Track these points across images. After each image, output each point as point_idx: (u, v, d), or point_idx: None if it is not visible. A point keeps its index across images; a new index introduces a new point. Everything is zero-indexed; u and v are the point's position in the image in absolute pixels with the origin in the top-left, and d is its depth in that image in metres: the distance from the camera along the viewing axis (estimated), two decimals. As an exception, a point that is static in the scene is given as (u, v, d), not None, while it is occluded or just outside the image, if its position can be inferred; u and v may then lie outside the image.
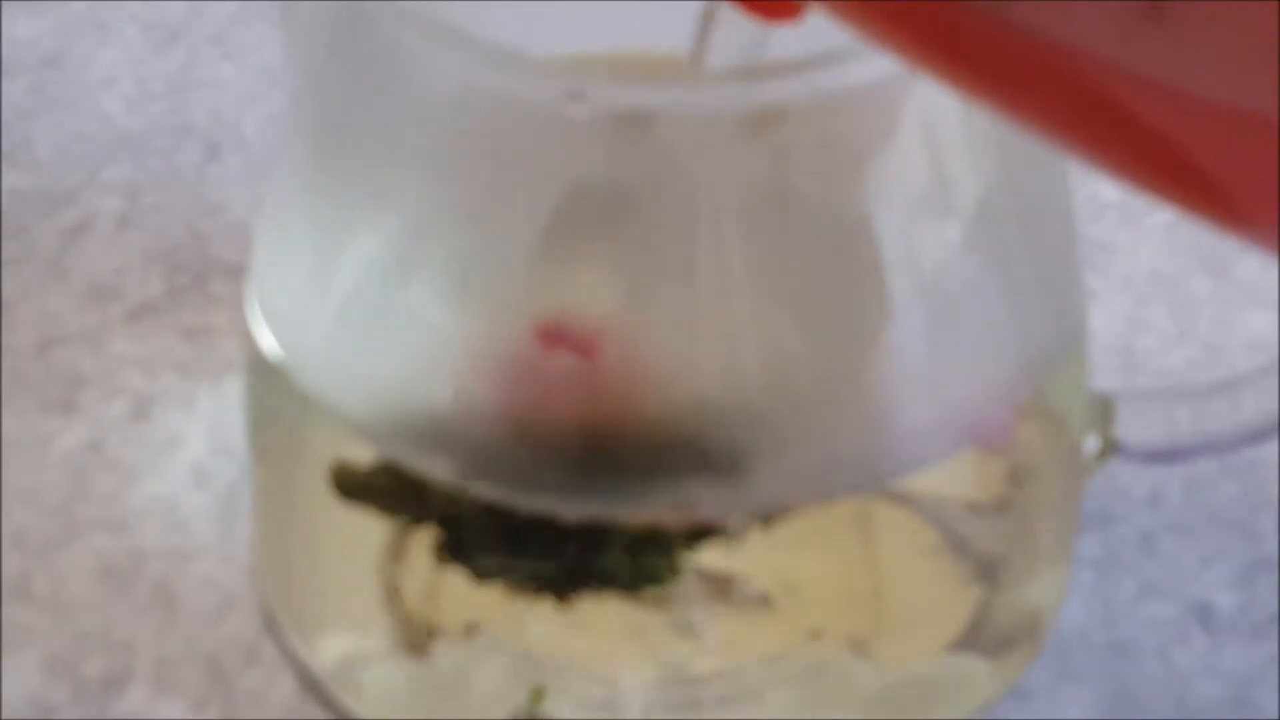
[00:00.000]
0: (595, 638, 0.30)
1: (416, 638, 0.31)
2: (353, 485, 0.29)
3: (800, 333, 0.28)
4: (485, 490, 0.28)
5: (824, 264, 0.28)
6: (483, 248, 0.28)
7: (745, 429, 0.27)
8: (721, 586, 0.30)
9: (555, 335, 0.27)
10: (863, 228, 0.27)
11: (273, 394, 0.31)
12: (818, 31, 0.23)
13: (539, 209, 0.27)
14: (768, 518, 0.28)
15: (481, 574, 0.29)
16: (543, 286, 0.28)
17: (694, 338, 0.27)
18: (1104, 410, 0.32)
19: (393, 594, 0.31)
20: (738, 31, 0.26)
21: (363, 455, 0.30)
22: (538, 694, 0.29)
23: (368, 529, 0.30)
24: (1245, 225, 0.18)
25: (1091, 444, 0.32)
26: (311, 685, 0.32)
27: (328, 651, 0.32)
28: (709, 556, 0.29)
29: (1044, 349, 0.30)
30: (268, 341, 0.30)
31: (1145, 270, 0.39)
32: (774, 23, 0.25)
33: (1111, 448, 0.32)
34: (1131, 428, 0.32)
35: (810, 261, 0.27)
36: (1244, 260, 0.39)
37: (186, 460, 0.36)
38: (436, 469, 0.28)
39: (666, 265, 0.27)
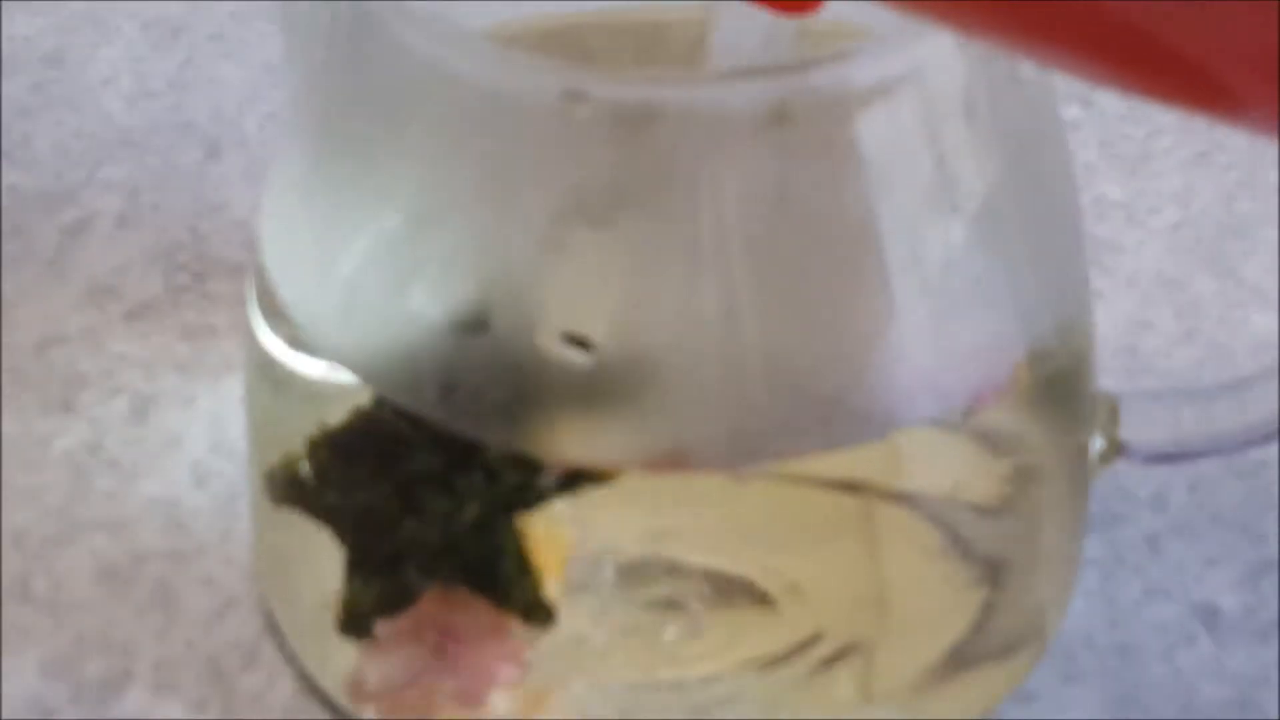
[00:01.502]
0: (598, 637, 0.30)
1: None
2: (284, 483, 0.30)
3: (798, 302, 0.27)
4: (489, 440, 0.28)
5: (821, 243, 0.27)
6: (486, 242, 0.28)
7: (742, 389, 0.27)
8: (725, 587, 0.30)
9: None
10: (861, 206, 0.27)
11: (273, 393, 0.31)
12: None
13: (541, 204, 0.27)
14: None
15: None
16: (546, 278, 0.27)
17: (694, 305, 0.27)
18: (1109, 411, 0.32)
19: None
20: (748, 28, 0.26)
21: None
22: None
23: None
24: (1241, 109, 0.18)
25: (1096, 445, 0.32)
26: (311, 687, 0.32)
27: (326, 653, 0.32)
28: (712, 558, 0.29)
29: (1037, 311, 0.29)
30: (275, 334, 0.30)
31: (1150, 270, 0.39)
32: (794, 15, 0.25)
33: (1116, 449, 0.32)
34: (1136, 429, 0.32)
35: (806, 239, 0.27)
36: (1250, 261, 0.39)
37: (186, 460, 0.36)
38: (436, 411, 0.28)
39: (665, 247, 0.27)
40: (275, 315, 0.30)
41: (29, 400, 0.37)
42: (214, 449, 0.36)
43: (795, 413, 0.28)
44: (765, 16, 0.25)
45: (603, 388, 0.27)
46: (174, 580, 0.34)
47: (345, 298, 0.29)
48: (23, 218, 0.40)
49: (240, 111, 0.42)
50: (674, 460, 0.28)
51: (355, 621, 0.29)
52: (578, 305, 0.27)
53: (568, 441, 0.28)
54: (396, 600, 0.29)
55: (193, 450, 0.36)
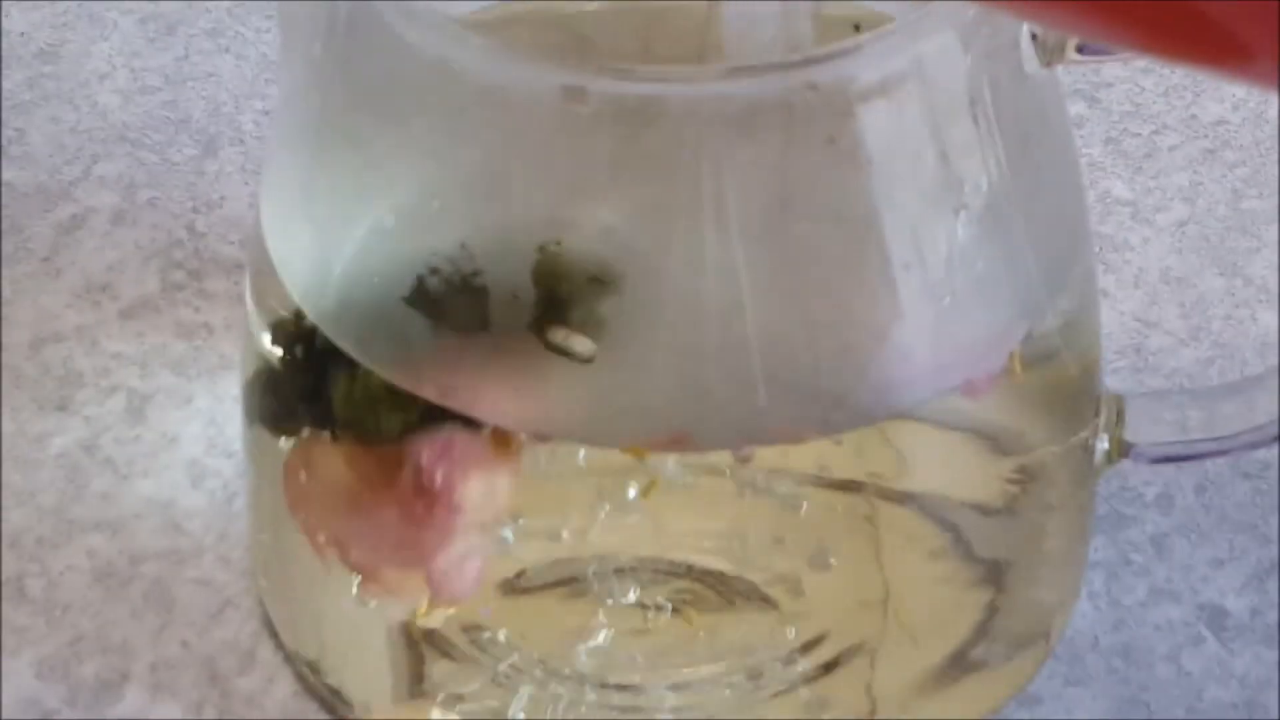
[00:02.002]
0: (595, 638, 0.30)
1: (413, 639, 0.30)
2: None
3: (798, 292, 0.27)
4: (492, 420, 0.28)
5: (822, 235, 0.27)
6: (487, 237, 0.27)
7: (744, 375, 0.27)
8: (726, 589, 0.29)
9: None
10: (863, 200, 0.27)
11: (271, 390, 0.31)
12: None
13: (542, 199, 0.27)
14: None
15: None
16: (547, 271, 0.27)
17: (699, 296, 0.27)
18: (1115, 411, 0.32)
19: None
20: (759, 17, 0.26)
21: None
22: None
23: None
24: (1247, 59, 0.18)
25: (1102, 445, 0.32)
26: (308, 687, 0.32)
27: (325, 653, 0.32)
28: (714, 559, 0.29)
29: (1041, 305, 0.29)
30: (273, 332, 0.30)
31: (1156, 269, 0.39)
32: None
33: (1122, 449, 0.32)
34: (1142, 429, 0.32)
35: (808, 231, 0.27)
36: (1256, 259, 0.39)
37: (183, 460, 0.35)
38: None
39: (668, 240, 0.27)
40: (273, 312, 0.30)
41: (24, 399, 0.36)
42: (210, 448, 0.36)
43: (793, 397, 0.28)
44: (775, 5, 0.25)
45: (605, 372, 0.27)
46: (171, 581, 0.34)
47: (345, 290, 0.29)
48: (18, 214, 0.40)
49: (237, 107, 0.42)
50: (677, 440, 0.27)
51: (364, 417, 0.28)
52: (579, 298, 0.27)
53: (571, 422, 0.28)
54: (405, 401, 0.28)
55: (189, 450, 0.36)
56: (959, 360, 0.28)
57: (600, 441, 0.28)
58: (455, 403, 0.28)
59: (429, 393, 0.28)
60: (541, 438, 0.28)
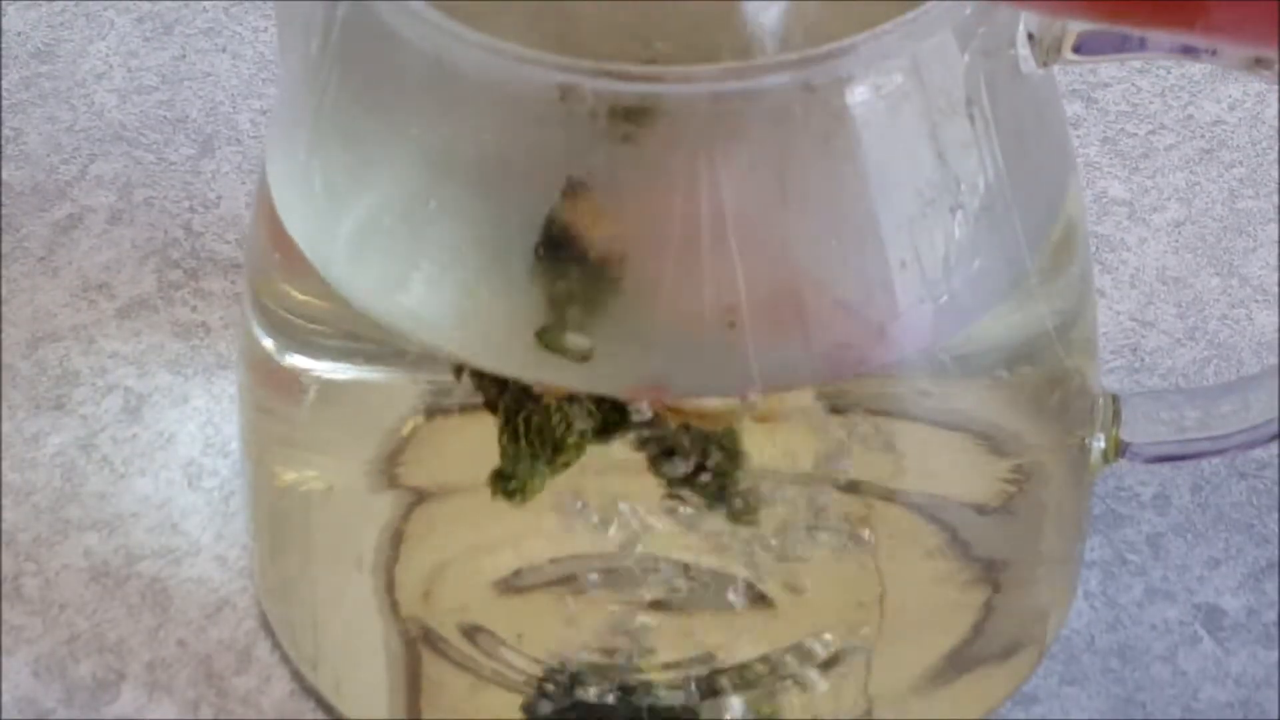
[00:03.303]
0: (591, 637, 0.30)
1: (410, 639, 0.30)
2: None
3: (798, 291, 0.27)
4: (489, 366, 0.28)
5: (816, 227, 0.27)
6: (485, 233, 0.27)
7: (736, 369, 0.27)
8: (724, 588, 0.29)
9: None
10: (859, 198, 0.27)
11: (267, 390, 0.31)
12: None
13: (539, 196, 0.27)
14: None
15: None
16: (545, 268, 0.27)
17: (696, 292, 0.27)
18: (1111, 411, 0.32)
19: (388, 595, 0.30)
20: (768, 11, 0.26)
21: (356, 449, 0.29)
22: None
23: (364, 529, 0.30)
24: (1204, 16, 0.18)
25: (1098, 445, 0.32)
26: (305, 687, 0.32)
27: (321, 653, 0.32)
28: (712, 558, 0.29)
29: (1037, 304, 0.29)
30: (268, 331, 0.30)
31: (1153, 269, 0.39)
32: None
33: (1118, 448, 0.32)
34: (1139, 428, 0.32)
35: (803, 223, 0.27)
36: (1252, 258, 0.39)
37: (179, 459, 0.35)
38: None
39: (664, 235, 0.27)
40: (268, 312, 0.30)
41: (21, 398, 0.36)
42: (207, 447, 0.36)
43: (766, 355, 0.28)
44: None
45: (597, 353, 0.27)
46: (167, 580, 0.34)
47: (346, 289, 0.29)
48: (14, 214, 0.40)
49: (234, 106, 0.42)
50: (653, 389, 0.27)
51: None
52: (572, 303, 0.27)
53: (553, 369, 0.28)
54: None
55: (186, 449, 0.36)
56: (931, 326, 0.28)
57: (581, 386, 0.28)
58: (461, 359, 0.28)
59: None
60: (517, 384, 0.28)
